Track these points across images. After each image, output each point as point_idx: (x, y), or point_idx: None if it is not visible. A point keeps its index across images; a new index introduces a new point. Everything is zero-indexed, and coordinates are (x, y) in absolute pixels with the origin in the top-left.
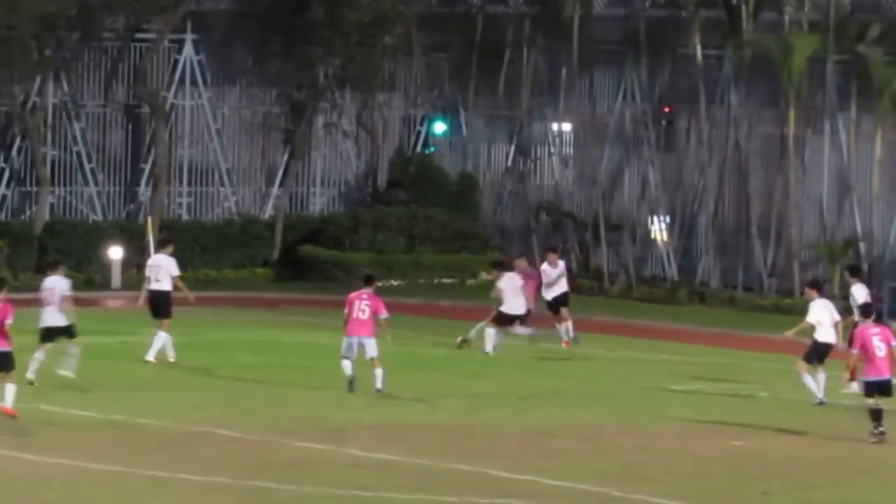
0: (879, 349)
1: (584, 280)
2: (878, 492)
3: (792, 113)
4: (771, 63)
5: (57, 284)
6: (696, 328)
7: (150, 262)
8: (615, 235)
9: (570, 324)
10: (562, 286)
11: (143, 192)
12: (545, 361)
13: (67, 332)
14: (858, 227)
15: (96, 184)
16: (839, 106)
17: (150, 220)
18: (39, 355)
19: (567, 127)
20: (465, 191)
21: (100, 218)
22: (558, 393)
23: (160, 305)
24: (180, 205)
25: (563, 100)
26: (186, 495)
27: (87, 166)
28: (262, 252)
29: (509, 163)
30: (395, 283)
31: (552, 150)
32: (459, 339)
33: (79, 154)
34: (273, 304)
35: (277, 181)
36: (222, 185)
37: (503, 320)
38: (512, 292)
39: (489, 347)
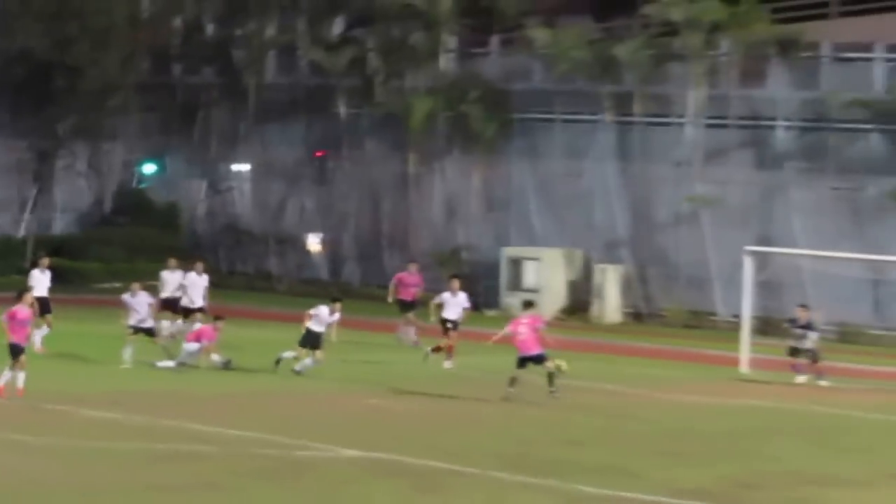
0: (522, 333)
1: (259, 281)
2: (481, 434)
3: (412, 156)
4: (398, 118)
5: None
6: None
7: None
8: (282, 248)
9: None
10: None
11: None
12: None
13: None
14: (461, 240)
15: None
16: (448, 150)
17: None
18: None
19: (246, 167)
20: (170, 215)
21: None
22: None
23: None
24: None
25: (242, 146)
26: None
27: None
28: (17, 263)
29: (203, 195)
30: (117, 285)
31: (235, 184)
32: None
33: None
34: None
35: (28, 209)
36: None
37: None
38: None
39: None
